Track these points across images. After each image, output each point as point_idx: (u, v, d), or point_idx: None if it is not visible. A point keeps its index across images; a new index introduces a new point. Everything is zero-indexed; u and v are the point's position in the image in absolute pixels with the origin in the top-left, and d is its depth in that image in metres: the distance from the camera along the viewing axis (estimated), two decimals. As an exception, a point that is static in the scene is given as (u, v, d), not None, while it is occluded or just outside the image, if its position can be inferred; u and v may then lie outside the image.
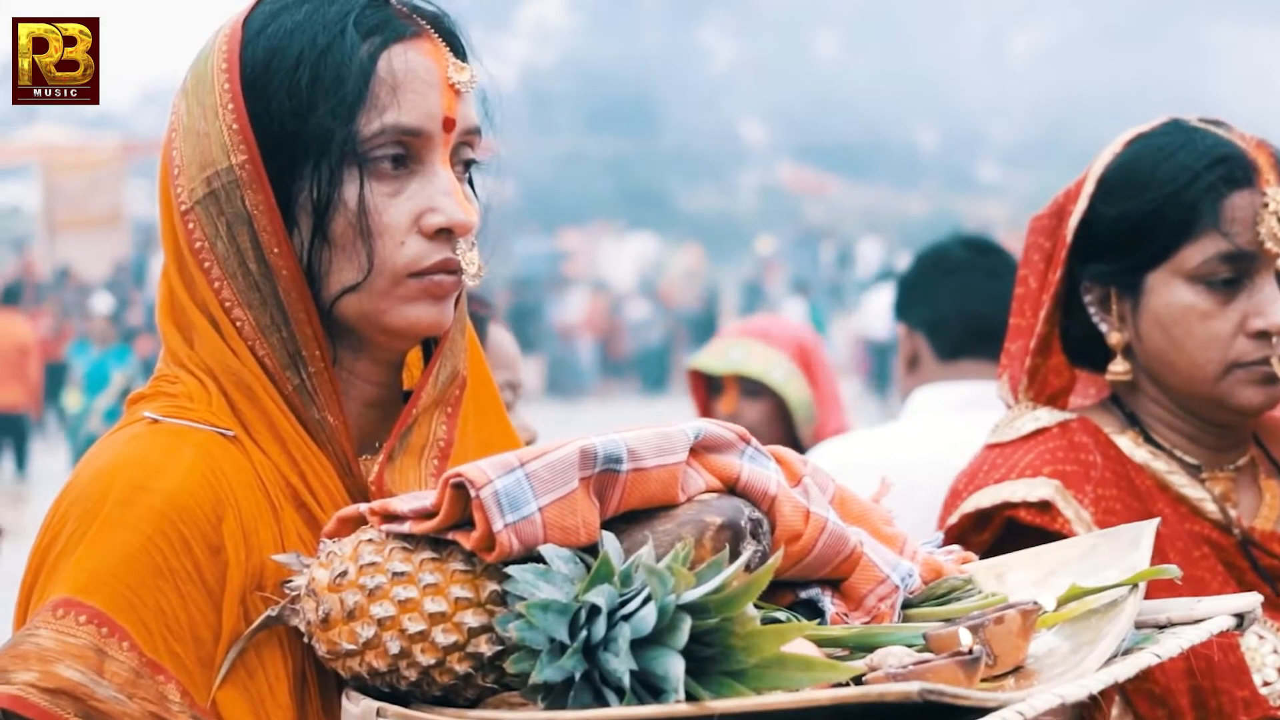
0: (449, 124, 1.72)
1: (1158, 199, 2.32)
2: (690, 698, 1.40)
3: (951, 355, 3.63)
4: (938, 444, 3.23)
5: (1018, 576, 1.79)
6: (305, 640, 1.60)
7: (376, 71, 1.69)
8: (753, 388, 4.35)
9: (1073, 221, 2.36)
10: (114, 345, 16.79)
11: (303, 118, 1.69)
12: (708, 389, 4.46)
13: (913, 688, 1.33)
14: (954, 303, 3.61)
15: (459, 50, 1.75)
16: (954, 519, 2.34)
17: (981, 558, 1.87)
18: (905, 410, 3.70)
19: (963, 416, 3.34)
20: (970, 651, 1.43)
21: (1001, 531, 2.29)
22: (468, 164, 1.77)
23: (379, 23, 1.71)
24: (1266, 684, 2.26)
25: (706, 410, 4.43)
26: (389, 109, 1.70)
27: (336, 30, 1.70)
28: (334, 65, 1.69)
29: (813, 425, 4.28)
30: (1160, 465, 2.37)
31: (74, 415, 15.97)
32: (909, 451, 3.39)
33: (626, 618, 1.40)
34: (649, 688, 1.40)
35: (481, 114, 1.77)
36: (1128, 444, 2.38)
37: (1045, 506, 2.27)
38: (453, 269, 1.72)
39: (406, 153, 1.71)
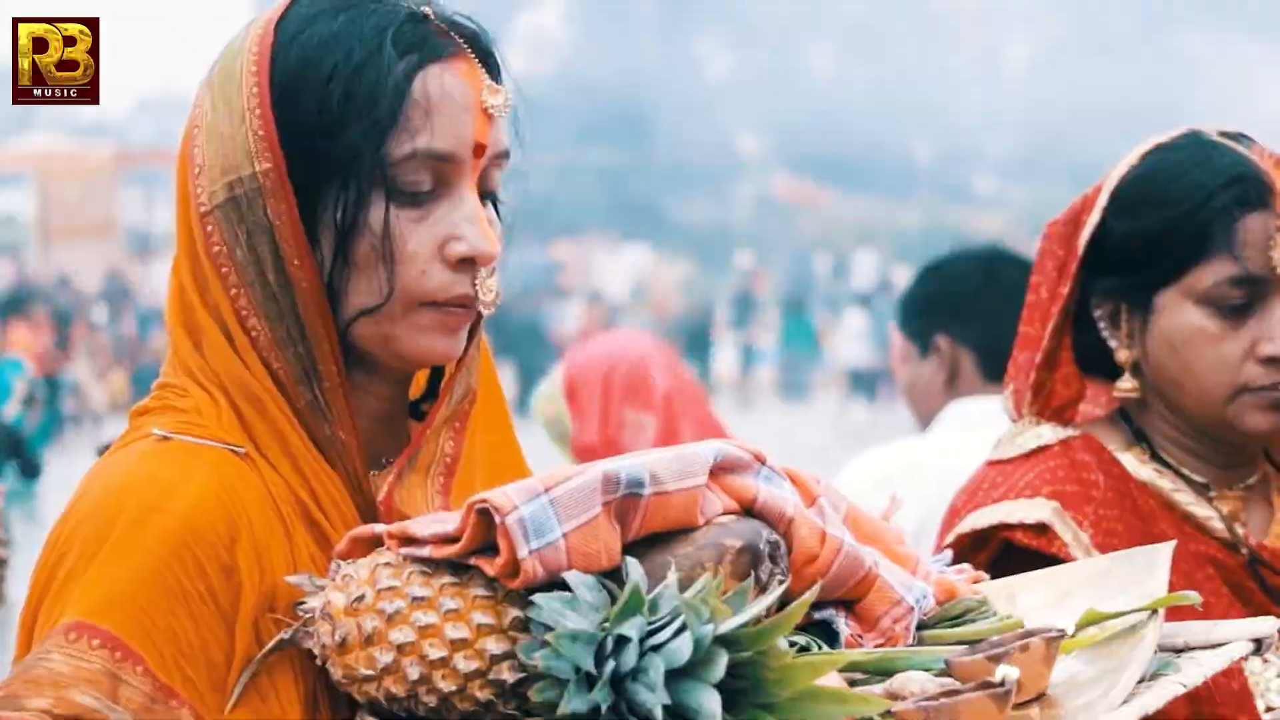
0: (480, 149, 1.69)
1: (1170, 218, 2.27)
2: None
3: (999, 378, 3.63)
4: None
5: (1030, 598, 1.77)
6: (319, 663, 1.58)
7: (411, 93, 1.66)
8: None
9: (1085, 233, 2.31)
10: (4, 358, 17.15)
11: (332, 135, 1.66)
12: None
13: None
14: (1012, 327, 3.62)
15: (494, 68, 1.73)
16: (951, 538, 2.29)
17: (979, 579, 1.85)
18: (939, 423, 3.69)
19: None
20: (1002, 683, 1.42)
21: (998, 553, 2.25)
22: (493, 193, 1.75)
23: (417, 40, 1.68)
24: (1270, 709, 2.21)
25: None
26: (421, 133, 1.66)
27: (374, 45, 1.66)
28: (368, 83, 1.65)
29: (565, 443, 4.27)
30: (1165, 483, 2.32)
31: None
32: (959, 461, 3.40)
33: (657, 648, 1.38)
34: (678, 720, 1.38)
35: (511, 133, 1.75)
36: (1132, 461, 2.33)
37: (1042, 529, 2.23)
38: (469, 302, 1.70)
39: (435, 177, 1.68)
